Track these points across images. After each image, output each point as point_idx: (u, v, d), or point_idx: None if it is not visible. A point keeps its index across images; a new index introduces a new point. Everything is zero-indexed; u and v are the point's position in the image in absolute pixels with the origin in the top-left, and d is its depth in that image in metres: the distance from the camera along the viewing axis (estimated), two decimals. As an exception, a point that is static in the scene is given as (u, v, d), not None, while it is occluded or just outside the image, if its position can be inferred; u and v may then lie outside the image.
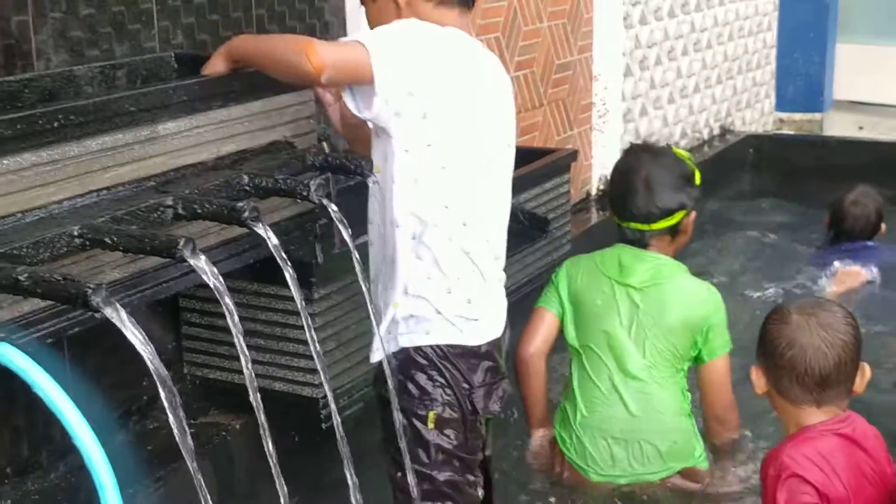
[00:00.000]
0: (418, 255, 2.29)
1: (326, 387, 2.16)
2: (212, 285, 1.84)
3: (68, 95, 2.41)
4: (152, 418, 2.82)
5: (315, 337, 2.11)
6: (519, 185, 2.88)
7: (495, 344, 2.39)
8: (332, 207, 2.17)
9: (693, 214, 3.20)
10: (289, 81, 2.33)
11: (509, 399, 2.49)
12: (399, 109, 2.19)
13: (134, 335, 1.66)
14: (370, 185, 2.29)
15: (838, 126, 7.69)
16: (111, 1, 2.65)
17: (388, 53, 2.16)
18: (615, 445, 3.10)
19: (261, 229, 2.00)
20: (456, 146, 2.25)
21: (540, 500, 3.16)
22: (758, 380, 2.49)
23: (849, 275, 4.60)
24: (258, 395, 1.88)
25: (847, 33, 8.02)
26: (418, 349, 2.33)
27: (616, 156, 5.39)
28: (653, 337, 3.10)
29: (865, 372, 2.43)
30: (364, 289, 2.25)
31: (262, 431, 1.87)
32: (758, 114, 7.39)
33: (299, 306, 2.07)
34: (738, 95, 7.02)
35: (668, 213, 3.13)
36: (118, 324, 1.66)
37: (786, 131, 7.56)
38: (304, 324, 2.09)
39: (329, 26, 3.36)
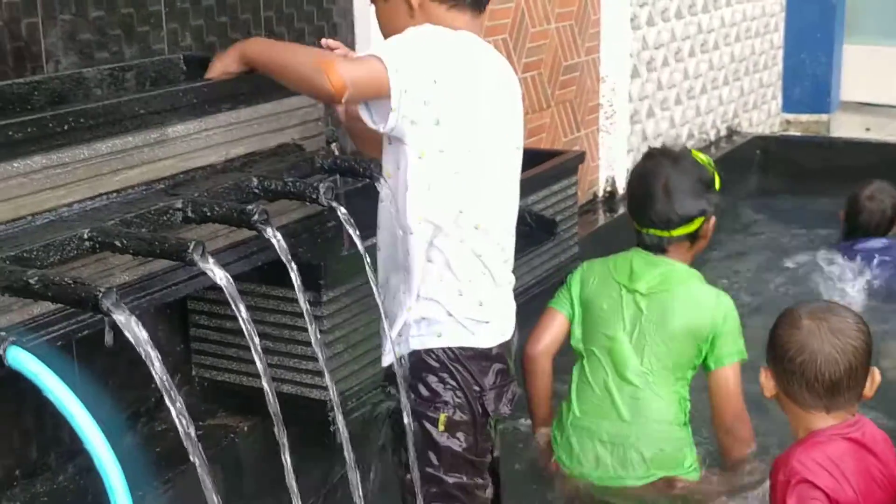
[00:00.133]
0: (430, 259, 2.28)
1: (330, 388, 2.16)
2: (227, 295, 1.84)
3: (77, 98, 2.41)
4: (160, 420, 2.83)
5: (320, 339, 2.11)
6: (527, 187, 2.88)
7: (506, 346, 2.39)
8: (342, 210, 2.17)
9: (713, 220, 3.18)
10: (305, 95, 2.32)
11: (519, 401, 2.49)
12: (415, 118, 2.18)
13: (141, 343, 1.66)
14: (380, 191, 2.29)
15: (845, 127, 7.67)
16: (120, 3, 2.66)
17: (405, 69, 2.13)
18: (601, 448, 3.10)
19: (270, 233, 2.00)
20: (468, 151, 2.24)
21: (537, 498, 3.17)
22: (766, 382, 2.48)
23: None
24: (277, 403, 1.88)
25: (854, 34, 8.01)
26: (429, 351, 2.32)
27: (623, 157, 5.43)
28: (653, 343, 3.09)
29: (875, 376, 2.42)
30: (375, 291, 2.25)
31: (278, 437, 1.88)
32: (765, 115, 7.39)
33: (304, 309, 2.07)
34: (745, 97, 7.02)
35: (688, 219, 3.12)
36: (126, 330, 1.66)
37: (793, 132, 7.55)
38: (309, 326, 2.09)
39: (337, 28, 3.36)
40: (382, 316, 2.28)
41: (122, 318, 1.67)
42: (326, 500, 2.81)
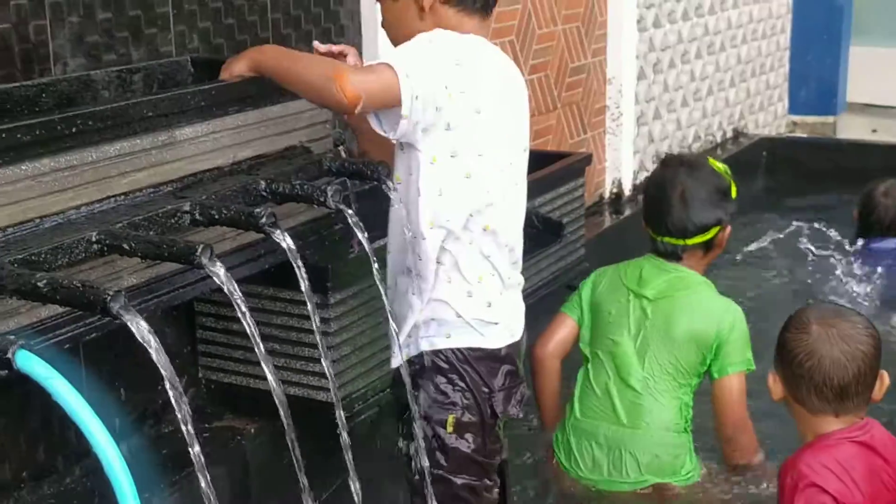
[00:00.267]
0: (439, 261, 2.28)
1: (333, 391, 2.16)
2: (234, 302, 1.84)
3: (85, 100, 2.41)
4: (167, 422, 2.83)
5: (324, 341, 2.11)
6: (534, 189, 2.87)
7: (514, 347, 2.39)
8: (349, 212, 2.17)
9: (728, 229, 3.18)
10: (318, 106, 2.32)
11: (528, 402, 2.49)
12: (427, 124, 2.18)
13: (152, 347, 1.66)
14: (391, 195, 2.28)
15: (852, 129, 7.66)
16: (128, 5, 2.66)
17: (416, 75, 2.13)
18: (598, 450, 3.10)
19: (278, 236, 1.99)
20: (479, 154, 2.24)
21: (537, 498, 3.17)
22: (774, 386, 2.47)
23: None
24: (287, 408, 1.88)
25: (861, 36, 7.99)
26: (438, 353, 2.32)
27: (629, 159, 5.42)
28: (655, 349, 3.09)
29: (885, 380, 2.42)
30: (382, 293, 2.25)
31: (289, 441, 1.88)
32: (771, 117, 7.38)
33: (310, 311, 2.07)
34: (751, 98, 7.01)
35: (705, 228, 3.13)
36: (136, 333, 1.66)
37: (799, 134, 7.54)
38: (314, 328, 2.10)
39: (345, 30, 3.36)
40: (390, 318, 2.28)
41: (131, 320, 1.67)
42: (333, 499, 2.80)
